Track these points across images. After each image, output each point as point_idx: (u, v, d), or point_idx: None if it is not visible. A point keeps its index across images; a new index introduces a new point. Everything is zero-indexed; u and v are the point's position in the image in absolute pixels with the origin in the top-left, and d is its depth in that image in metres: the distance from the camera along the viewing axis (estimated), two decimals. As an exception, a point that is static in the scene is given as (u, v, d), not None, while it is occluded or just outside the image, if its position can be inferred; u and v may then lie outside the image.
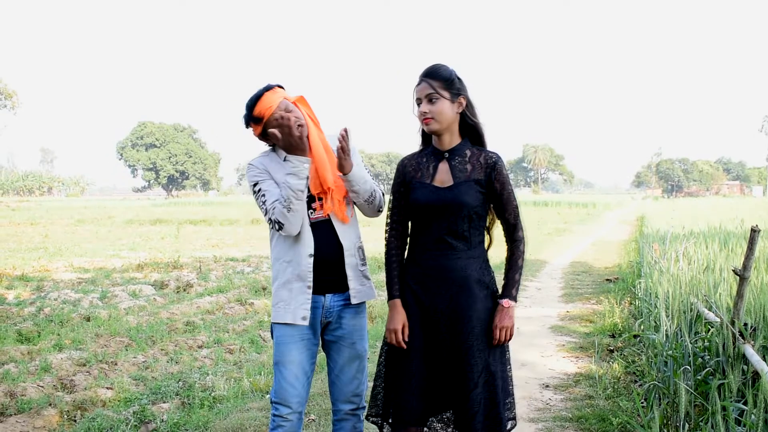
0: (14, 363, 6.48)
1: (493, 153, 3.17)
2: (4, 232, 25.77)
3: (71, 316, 8.62)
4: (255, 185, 3.30)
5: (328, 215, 3.28)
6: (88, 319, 8.54)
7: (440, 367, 3.10)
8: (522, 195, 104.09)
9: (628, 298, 9.36)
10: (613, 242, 21.66)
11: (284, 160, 3.23)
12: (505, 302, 3.10)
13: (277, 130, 3.13)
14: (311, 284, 3.23)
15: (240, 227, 30.06)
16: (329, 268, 3.28)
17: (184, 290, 11.23)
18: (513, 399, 3.18)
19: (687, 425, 3.92)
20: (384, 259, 3.32)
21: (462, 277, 3.09)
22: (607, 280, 12.27)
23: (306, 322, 3.24)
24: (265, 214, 3.24)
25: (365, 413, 3.38)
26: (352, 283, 3.31)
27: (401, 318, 3.15)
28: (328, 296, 3.30)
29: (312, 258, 3.22)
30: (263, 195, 3.26)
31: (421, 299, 3.14)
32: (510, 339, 3.12)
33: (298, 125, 3.16)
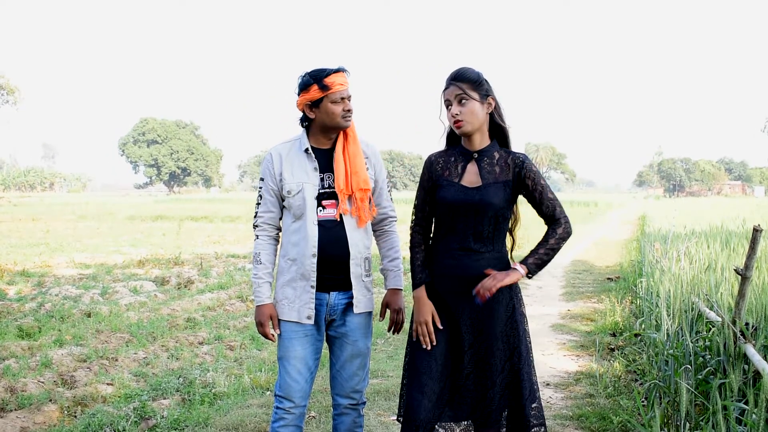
0: (15, 358, 6.48)
1: (520, 153, 3.18)
2: (6, 228, 25.76)
3: (72, 312, 8.62)
4: (261, 180, 3.39)
5: (339, 217, 3.29)
6: (89, 315, 8.54)
7: (462, 369, 3.11)
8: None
9: (629, 297, 9.35)
10: (614, 241, 21.66)
11: (305, 151, 3.31)
12: (519, 266, 3.11)
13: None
14: (315, 284, 3.26)
15: (241, 224, 30.06)
16: (334, 268, 3.29)
17: (185, 286, 11.24)
18: (540, 405, 3.17)
19: (688, 424, 3.92)
20: (410, 253, 3.30)
21: (481, 276, 3.09)
22: (609, 278, 12.27)
23: (311, 322, 3.28)
24: (254, 217, 3.42)
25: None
26: (356, 292, 3.33)
27: (429, 308, 3.15)
28: (333, 294, 3.32)
29: (315, 258, 3.24)
30: (259, 199, 3.40)
31: (443, 299, 3.15)
32: (487, 294, 3.01)
33: (348, 116, 3.27)
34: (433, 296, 3.17)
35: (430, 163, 3.25)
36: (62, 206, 47.09)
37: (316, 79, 3.22)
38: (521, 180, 3.13)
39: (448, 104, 3.14)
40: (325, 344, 3.47)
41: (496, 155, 3.16)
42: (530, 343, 3.21)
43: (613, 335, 7.45)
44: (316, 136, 3.35)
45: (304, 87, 3.26)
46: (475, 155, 3.17)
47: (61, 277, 12.22)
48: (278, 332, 3.33)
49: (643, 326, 6.73)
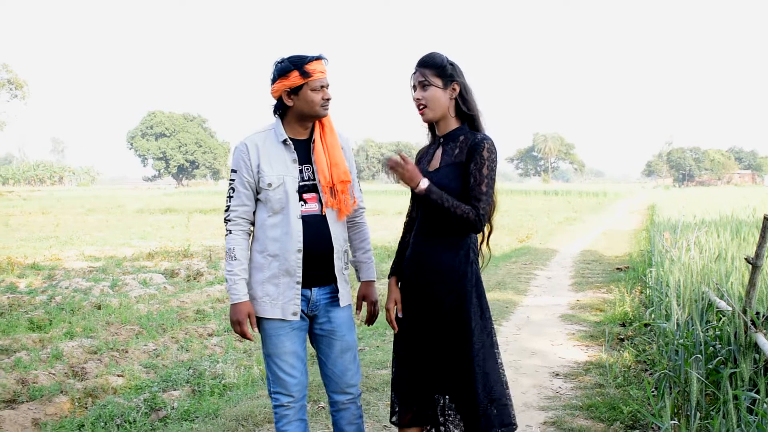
0: (26, 351, 6.51)
1: (484, 135, 3.11)
2: (16, 222, 25.88)
3: (82, 305, 8.67)
4: (234, 172, 3.24)
5: (324, 212, 3.22)
6: (99, 308, 8.58)
7: (421, 355, 3.14)
8: (532, 184, 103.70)
9: (639, 287, 9.32)
10: (623, 231, 21.59)
11: (283, 142, 3.22)
12: (426, 182, 2.99)
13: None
14: (300, 279, 3.18)
15: (250, 216, 30.07)
16: (318, 263, 3.22)
17: (194, 279, 11.27)
18: (507, 400, 3.13)
19: (698, 414, 3.91)
20: None
21: (436, 264, 3.10)
22: (618, 269, 12.23)
23: (297, 318, 3.20)
24: (226, 211, 3.24)
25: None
26: (339, 286, 3.29)
27: (393, 296, 3.24)
28: (314, 290, 3.25)
29: (301, 253, 3.16)
30: (231, 192, 3.23)
31: (408, 284, 3.20)
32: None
33: (327, 105, 3.21)
34: (405, 281, 3.22)
35: (417, 157, 3.32)
36: (72, 200, 47.25)
37: (296, 65, 3.12)
38: (469, 161, 3.04)
39: (414, 89, 3.16)
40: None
41: (461, 138, 3.12)
42: (492, 339, 3.15)
43: (623, 325, 7.43)
44: (291, 126, 3.25)
45: (282, 73, 3.15)
46: (441, 140, 3.18)
47: (71, 270, 12.27)
48: (256, 331, 3.25)
49: (652, 316, 6.71)
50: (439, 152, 3.16)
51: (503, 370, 3.18)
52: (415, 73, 3.14)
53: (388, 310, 3.23)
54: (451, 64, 3.12)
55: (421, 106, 3.12)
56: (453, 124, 3.16)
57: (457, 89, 3.12)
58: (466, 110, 3.14)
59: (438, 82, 3.09)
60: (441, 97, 3.10)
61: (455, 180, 3.04)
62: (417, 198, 3.08)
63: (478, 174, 3.01)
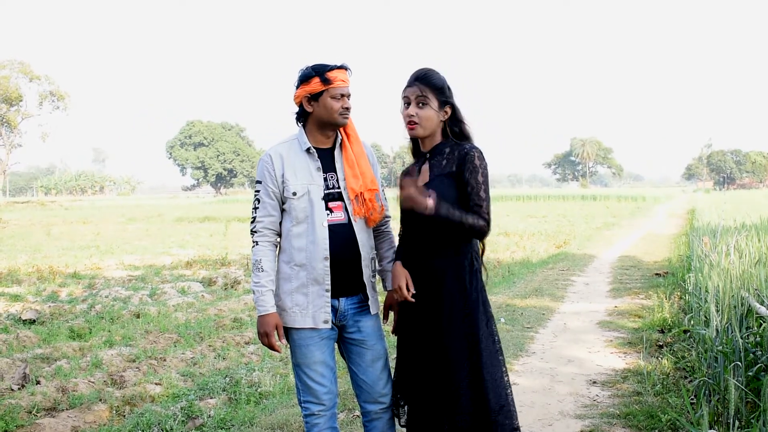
0: (66, 359, 6.62)
1: (471, 145, 3.14)
2: (58, 231, 26.33)
3: (121, 313, 8.80)
4: (258, 183, 3.25)
5: (348, 219, 3.22)
6: (138, 316, 8.70)
7: (429, 365, 3.14)
8: (570, 189, 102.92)
9: (678, 293, 9.19)
10: (662, 236, 21.30)
11: (307, 151, 3.23)
12: (434, 198, 2.99)
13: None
14: (329, 287, 3.17)
15: (287, 224, 30.22)
16: (346, 272, 3.21)
17: (232, 287, 11.37)
18: (512, 406, 3.13)
19: (737, 422, 3.85)
20: None
21: (438, 275, 3.11)
22: (657, 274, 12.07)
23: (328, 326, 3.20)
24: (252, 222, 3.27)
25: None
26: (369, 293, 3.29)
27: (402, 274, 3.16)
28: (342, 300, 3.24)
29: (328, 261, 3.15)
30: (257, 203, 3.25)
31: (414, 299, 3.19)
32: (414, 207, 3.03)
33: (346, 114, 3.20)
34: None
35: (401, 178, 3.31)
36: (112, 209, 48.00)
37: (318, 72, 3.15)
38: (461, 171, 3.08)
39: (406, 102, 3.16)
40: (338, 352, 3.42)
41: (447, 150, 3.16)
42: (497, 345, 3.16)
43: (662, 332, 7.33)
44: (314, 135, 3.25)
45: (305, 79, 3.18)
46: (428, 155, 3.21)
47: (111, 278, 12.46)
48: (284, 343, 3.25)
49: (691, 322, 6.61)
50: (426, 167, 3.19)
51: (507, 374, 3.18)
52: (411, 86, 3.15)
53: (399, 288, 3.13)
54: (448, 86, 3.17)
55: (413, 123, 3.13)
56: (438, 139, 3.20)
57: (449, 112, 3.16)
58: (458, 131, 3.17)
59: (435, 103, 3.13)
60: (434, 118, 3.14)
61: (448, 189, 3.07)
62: (416, 214, 3.08)
63: (474, 182, 3.06)
